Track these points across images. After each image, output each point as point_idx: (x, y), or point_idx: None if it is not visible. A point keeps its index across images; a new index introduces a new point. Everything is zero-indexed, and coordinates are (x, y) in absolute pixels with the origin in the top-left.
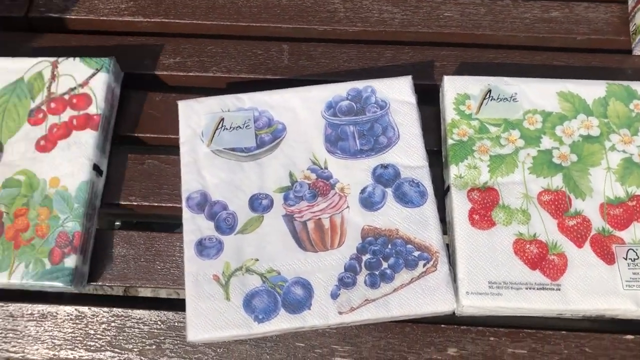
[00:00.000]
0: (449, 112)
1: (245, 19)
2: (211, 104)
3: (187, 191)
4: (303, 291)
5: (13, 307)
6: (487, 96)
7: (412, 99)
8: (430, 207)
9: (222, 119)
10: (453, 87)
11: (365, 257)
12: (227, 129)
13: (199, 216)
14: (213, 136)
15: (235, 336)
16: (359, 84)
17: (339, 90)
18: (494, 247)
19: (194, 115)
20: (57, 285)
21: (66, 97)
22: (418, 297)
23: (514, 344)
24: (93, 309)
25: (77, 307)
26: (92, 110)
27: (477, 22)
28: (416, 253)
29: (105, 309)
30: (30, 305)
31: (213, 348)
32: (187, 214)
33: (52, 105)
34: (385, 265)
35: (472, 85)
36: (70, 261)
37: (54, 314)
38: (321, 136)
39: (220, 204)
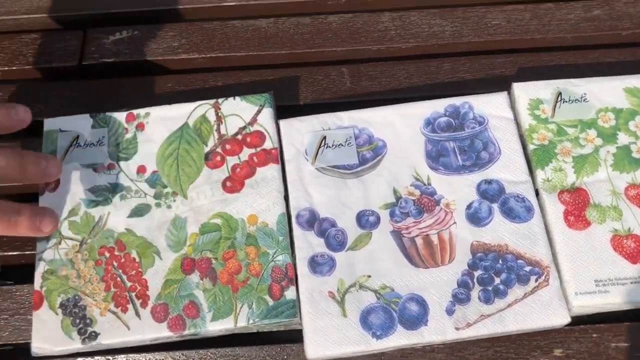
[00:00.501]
0: (525, 118)
1: (300, 46)
2: (312, 122)
3: (295, 208)
4: (418, 307)
5: None
6: (559, 99)
7: (509, 114)
8: (537, 222)
9: (324, 137)
10: (524, 93)
11: (477, 273)
12: (329, 146)
13: (309, 233)
14: (317, 154)
15: (353, 353)
16: (456, 101)
17: (436, 106)
18: (593, 246)
19: (297, 134)
20: (283, 321)
21: (239, 137)
22: (533, 312)
23: (616, 337)
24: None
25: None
26: (268, 145)
27: (525, 27)
28: (527, 268)
29: None
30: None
31: None
32: (297, 231)
33: (227, 146)
34: (497, 280)
35: (542, 89)
36: (290, 293)
37: None
38: (422, 152)
39: (328, 221)
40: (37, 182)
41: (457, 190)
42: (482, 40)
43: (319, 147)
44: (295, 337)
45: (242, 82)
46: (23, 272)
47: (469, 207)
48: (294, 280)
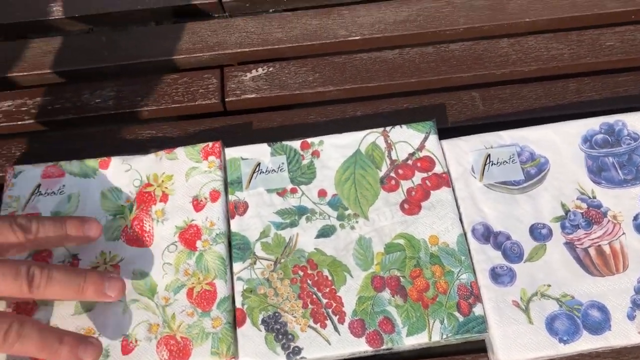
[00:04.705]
0: None
1: (427, 74)
2: (475, 141)
3: (470, 223)
4: (600, 313)
5: None
6: None
7: None
8: None
9: (489, 155)
10: None
11: None
12: (494, 164)
13: (486, 246)
14: (483, 171)
15: (542, 356)
16: (609, 119)
17: (592, 124)
18: None
19: (462, 153)
20: (474, 336)
21: (409, 162)
22: None
23: None
24: None
25: None
26: (438, 169)
27: (638, 47)
28: None
29: None
30: None
31: None
32: (474, 245)
33: (400, 171)
34: None
35: None
36: (478, 310)
37: None
38: (583, 168)
39: (503, 234)
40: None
41: (622, 202)
42: (600, 61)
43: (485, 164)
44: (462, 348)
45: (380, 111)
46: None
47: (635, 218)
48: (480, 298)
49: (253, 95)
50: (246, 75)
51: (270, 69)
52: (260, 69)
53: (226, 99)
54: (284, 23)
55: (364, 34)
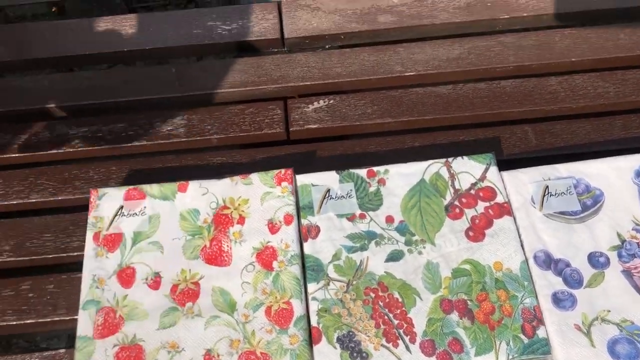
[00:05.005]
0: None
1: (480, 109)
2: (533, 173)
3: (531, 251)
4: None
5: None
6: None
7: None
8: None
9: (547, 187)
10: None
11: None
12: (552, 195)
13: (547, 272)
14: (542, 202)
15: None
16: None
17: None
18: None
19: (521, 184)
20: (539, 357)
21: (472, 192)
22: None
23: None
24: None
25: None
26: (500, 199)
27: None
28: None
29: None
30: None
31: None
32: (536, 271)
33: (464, 200)
34: None
35: None
36: (542, 332)
37: None
38: (637, 200)
39: (563, 261)
40: None
41: None
42: None
43: (544, 195)
44: None
45: (437, 142)
46: None
47: None
48: (543, 321)
49: (316, 126)
50: (308, 107)
51: (331, 101)
52: (321, 101)
53: (290, 129)
54: (342, 59)
55: (419, 70)
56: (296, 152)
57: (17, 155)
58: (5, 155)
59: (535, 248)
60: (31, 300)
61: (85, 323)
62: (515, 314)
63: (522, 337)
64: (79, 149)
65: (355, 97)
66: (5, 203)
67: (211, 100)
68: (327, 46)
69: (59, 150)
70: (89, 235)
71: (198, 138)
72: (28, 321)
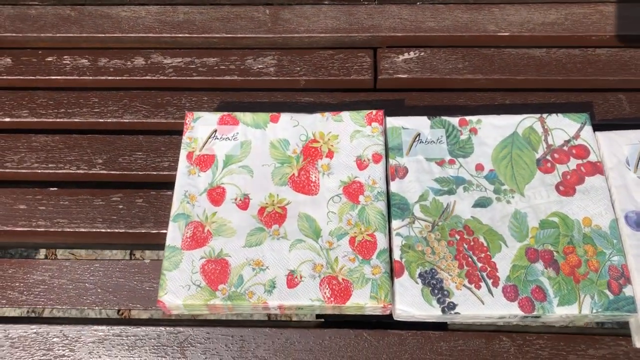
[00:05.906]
0: None
1: (574, 74)
2: (630, 135)
3: (623, 210)
4: None
5: None
6: None
7: None
8: None
9: None
10: None
11: None
12: None
13: (639, 233)
14: (638, 164)
15: None
16: None
17: None
18: None
19: (616, 145)
20: (623, 314)
21: (565, 148)
22: None
23: None
24: None
25: None
26: (593, 158)
27: None
28: None
29: None
30: None
31: None
32: (627, 231)
33: (556, 155)
34: None
35: None
36: (629, 291)
37: None
38: None
39: None
40: None
41: None
42: None
43: (639, 158)
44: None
45: (528, 102)
46: None
47: None
48: (630, 280)
49: (405, 76)
50: (399, 57)
51: (422, 54)
52: (412, 53)
53: (379, 77)
54: (436, 14)
55: (513, 31)
56: (383, 99)
57: (111, 78)
58: (100, 78)
59: (627, 208)
60: (121, 211)
61: (174, 233)
62: (602, 270)
63: (608, 293)
64: (172, 78)
65: (447, 51)
66: (101, 120)
67: (302, 43)
68: (418, 2)
69: (153, 77)
70: (183, 154)
71: (287, 78)
72: (117, 230)
